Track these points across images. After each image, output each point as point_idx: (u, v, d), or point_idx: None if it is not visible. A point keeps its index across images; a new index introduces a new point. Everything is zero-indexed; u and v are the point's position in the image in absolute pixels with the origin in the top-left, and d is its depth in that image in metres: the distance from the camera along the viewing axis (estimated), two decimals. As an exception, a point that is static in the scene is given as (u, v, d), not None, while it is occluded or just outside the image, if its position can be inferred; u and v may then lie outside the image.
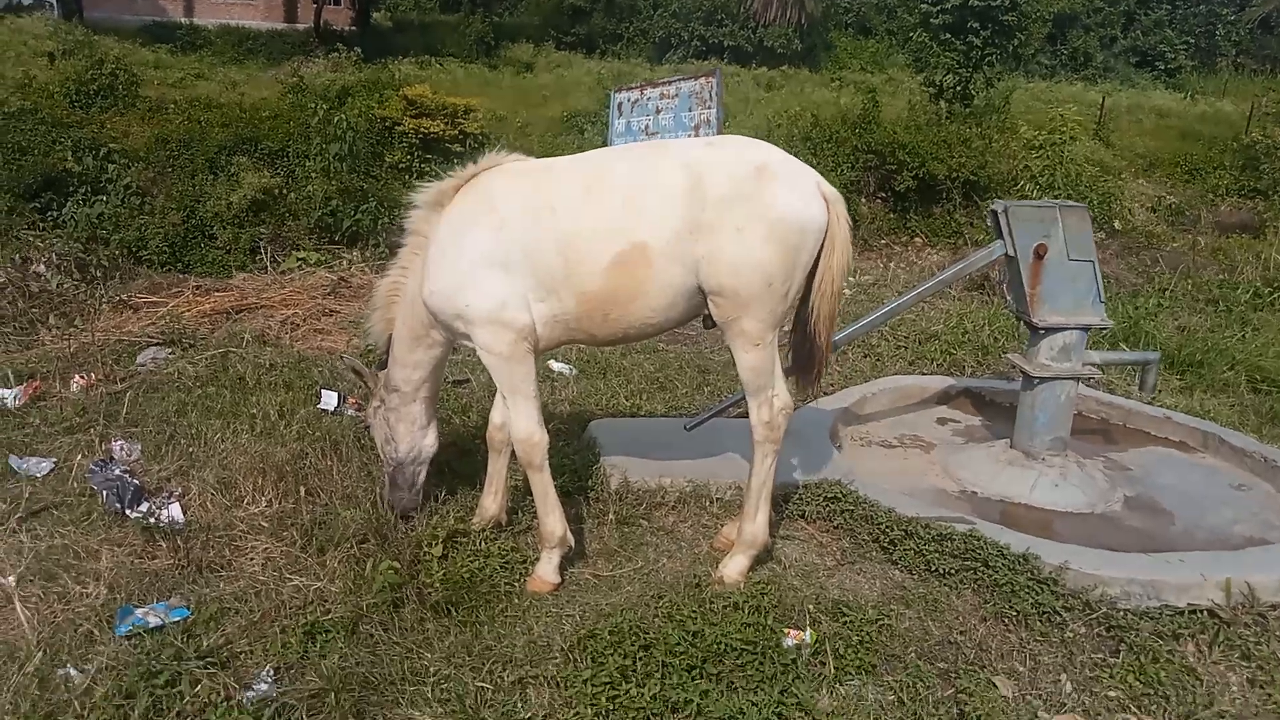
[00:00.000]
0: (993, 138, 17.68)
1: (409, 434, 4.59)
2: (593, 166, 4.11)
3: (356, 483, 4.94)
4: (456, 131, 16.24)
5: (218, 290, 8.84)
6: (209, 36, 38.43)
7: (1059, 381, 5.27)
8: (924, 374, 7.14)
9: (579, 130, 21.42)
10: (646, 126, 8.90)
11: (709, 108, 8.27)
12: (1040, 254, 5.09)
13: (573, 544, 4.40)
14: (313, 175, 12.92)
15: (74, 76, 19.36)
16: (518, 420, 4.16)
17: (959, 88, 21.94)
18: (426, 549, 4.30)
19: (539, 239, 3.92)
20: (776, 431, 4.23)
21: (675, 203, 3.83)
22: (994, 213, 5.17)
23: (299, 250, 10.43)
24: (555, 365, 7.07)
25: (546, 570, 4.29)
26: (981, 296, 10.04)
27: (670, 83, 8.76)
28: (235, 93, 23.64)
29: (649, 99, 8.91)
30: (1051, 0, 31.40)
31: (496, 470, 4.69)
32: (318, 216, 11.47)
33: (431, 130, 15.69)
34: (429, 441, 4.65)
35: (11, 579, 4.06)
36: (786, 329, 4.37)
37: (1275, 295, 10.07)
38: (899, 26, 49.37)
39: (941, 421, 6.41)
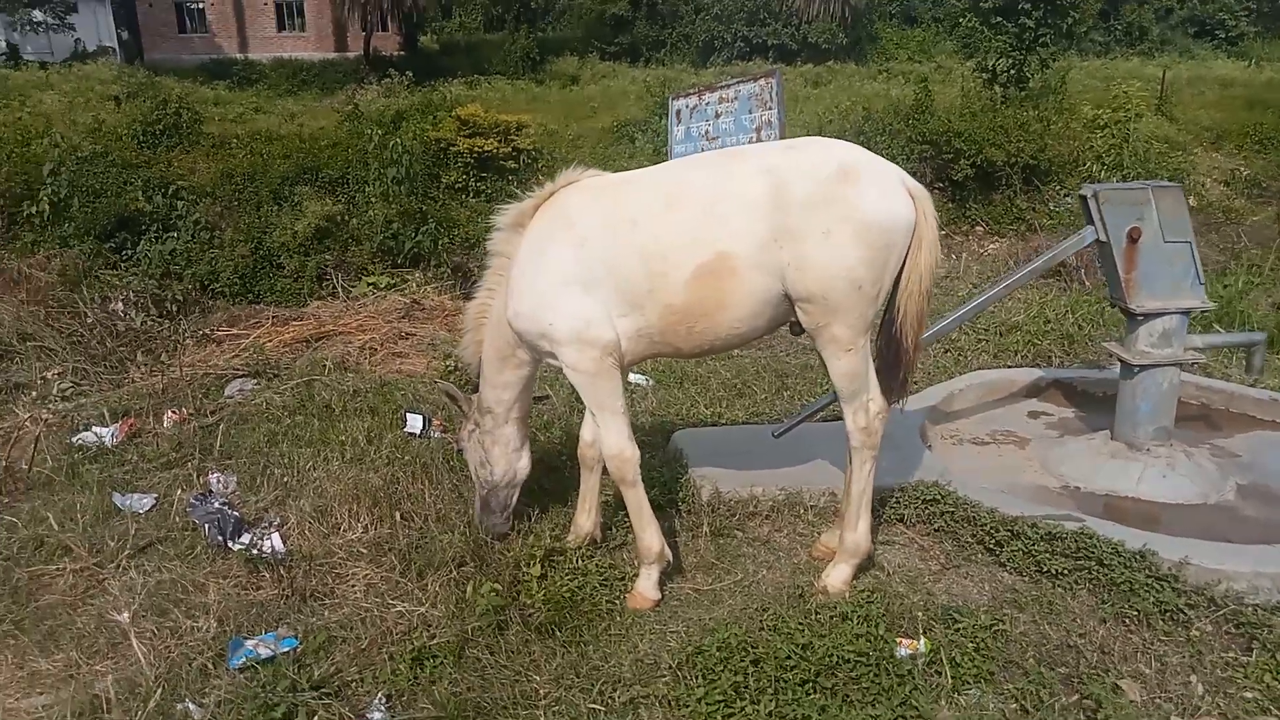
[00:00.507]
0: (1051, 120, 17.30)
1: (504, 456, 4.61)
2: (671, 178, 4.07)
3: (449, 505, 4.96)
4: (510, 149, 16.40)
5: (294, 320, 8.98)
6: (264, 70, 39.45)
7: (1160, 369, 5.09)
8: (1010, 367, 6.96)
9: (630, 139, 21.50)
10: (707, 132, 8.83)
11: (770, 109, 8.17)
12: (1134, 237, 4.92)
13: (670, 559, 4.35)
14: (372, 200, 13.13)
15: (140, 118, 20.01)
16: (608, 437, 4.15)
17: (1013, 71, 21.53)
18: (525, 569, 4.29)
19: (620, 254, 3.91)
20: (874, 437, 4.14)
21: (758, 210, 3.77)
22: (1083, 198, 5.01)
23: (367, 275, 10.55)
24: (633, 377, 7.04)
25: (646, 586, 4.25)
26: (1059, 283, 9.78)
27: (728, 86, 8.69)
28: (294, 124, 24.21)
29: (707, 104, 8.84)
30: (1105, -25, 30.56)
31: (589, 487, 4.68)
32: (380, 240, 11.63)
33: (485, 149, 15.86)
34: (524, 464, 4.68)
35: (126, 615, 4.13)
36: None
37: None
38: (945, 13, 48.75)
39: (1033, 415, 6.24)
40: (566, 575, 4.29)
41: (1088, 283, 9.63)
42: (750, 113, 8.41)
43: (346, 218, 12.46)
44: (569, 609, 4.09)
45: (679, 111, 9.23)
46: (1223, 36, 44.55)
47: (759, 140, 8.38)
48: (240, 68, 39.29)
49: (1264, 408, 6.00)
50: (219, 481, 5.35)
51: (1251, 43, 42.99)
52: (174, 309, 9.16)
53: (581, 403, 4.31)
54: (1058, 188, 15.43)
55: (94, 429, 6.15)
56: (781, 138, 8.14)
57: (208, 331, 8.16)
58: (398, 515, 4.80)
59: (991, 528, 4.47)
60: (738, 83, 8.60)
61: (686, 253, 3.82)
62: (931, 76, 23.87)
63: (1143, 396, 5.16)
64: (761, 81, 8.28)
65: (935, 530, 4.68)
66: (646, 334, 4.02)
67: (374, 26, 41.88)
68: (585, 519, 4.67)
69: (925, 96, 18.06)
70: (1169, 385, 5.13)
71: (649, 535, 4.24)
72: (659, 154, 19.13)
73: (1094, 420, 6.04)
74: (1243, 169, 16.55)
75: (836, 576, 4.24)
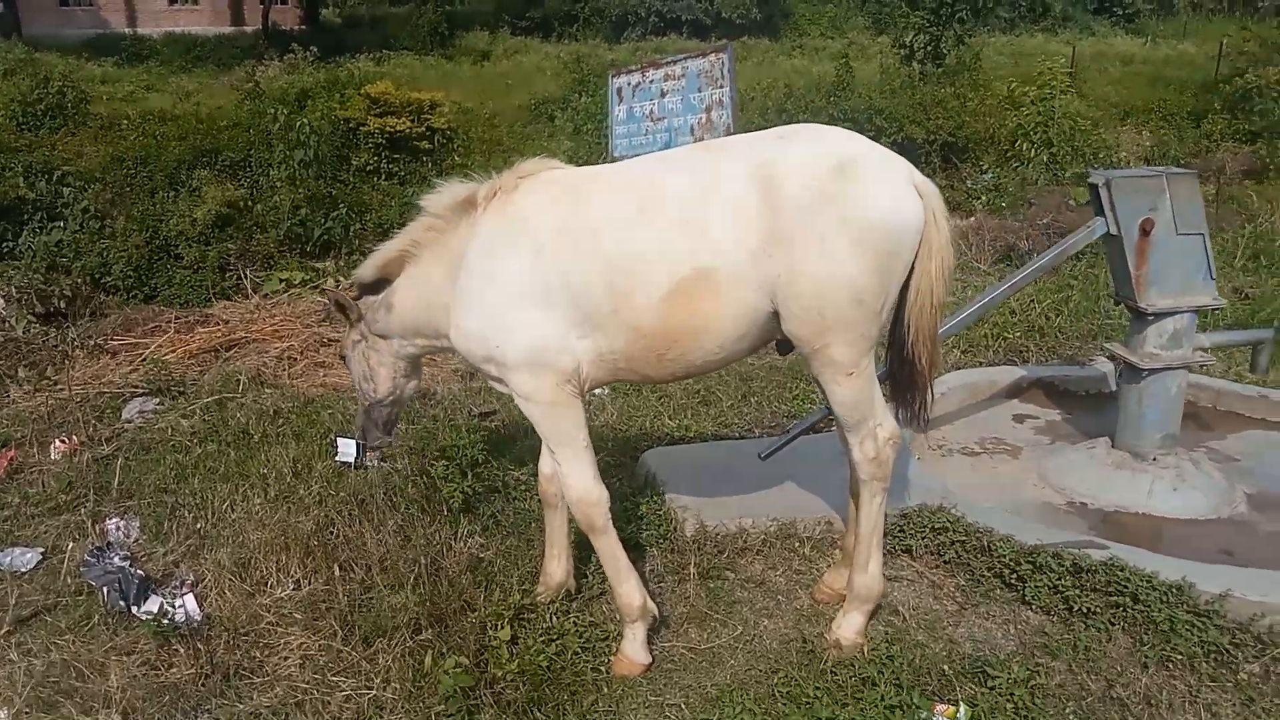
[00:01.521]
0: (967, 97, 17.24)
1: (390, 378, 4.06)
2: (643, 178, 3.46)
3: (396, 552, 4.29)
4: (423, 128, 15.58)
5: (199, 324, 8.11)
6: (154, 46, 37.22)
7: (1169, 372, 4.72)
8: (985, 365, 6.57)
9: (549, 118, 20.79)
10: (651, 112, 8.23)
11: (721, 86, 7.61)
12: (1146, 230, 4.52)
13: (656, 613, 3.78)
14: (278, 184, 12.28)
15: (19, 98, 18.49)
16: (570, 478, 3.57)
17: (929, 47, 21.49)
18: (493, 633, 3.68)
19: (580, 266, 3.32)
20: (885, 468, 3.58)
21: (745, 216, 3.20)
22: (1092, 186, 4.59)
23: (277, 269, 9.69)
24: (585, 384, 6.43)
25: (633, 649, 3.68)
26: (1010, 268, 9.48)
27: (674, 61, 8.09)
28: (190, 103, 22.77)
29: (651, 82, 8.24)
30: (1015, -49, 30.91)
31: (555, 528, 4.06)
32: (287, 227, 10.84)
33: (398, 129, 15.04)
34: (411, 385, 4.17)
35: (3, 714, 3.40)
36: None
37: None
38: (857, -12, 48.93)
39: (1019, 419, 5.86)
40: (541, 639, 3.70)
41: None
42: (699, 91, 7.84)
43: (250, 204, 11.61)
44: (547, 682, 3.51)
45: (620, 89, 8.60)
46: (1120, 14, 45.68)
47: (709, 120, 7.82)
48: (129, 43, 36.97)
49: (1252, 404, 5.73)
50: (118, 528, 4.59)
51: (1147, 20, 44.16)
52: (62, 305, 8.24)
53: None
54: (974, 165, 15.36)
55: (-36, 464, 5.29)
56: (734, 117, 7.61)
57: (101, 341, 7.23)
58: (335, 568, 4.12)
59: (1011, 560, 4.02)
60: (685, 59, 8.01)
61: (658, 269, 3.24)
62: (846, 53, 23.64)
63: (1149, 402, 4.79)
64: (711, 57, 7.72)
65: (946, 563, 4.22)
66: (609, 359, 3.45)
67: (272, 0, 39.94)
68: (556, 566, 4.06)
69: (846, 73, 17.83)
70: (1177, 390, 4.78)
71: (628, 589, 3.66)
72: (579, 132, 18.50)
73: (1082, 423, 5.70)
74: (1164, 145, 16.59)
75: (849, 627, 3.73)
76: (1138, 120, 19.31)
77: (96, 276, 10.55)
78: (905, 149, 14.33)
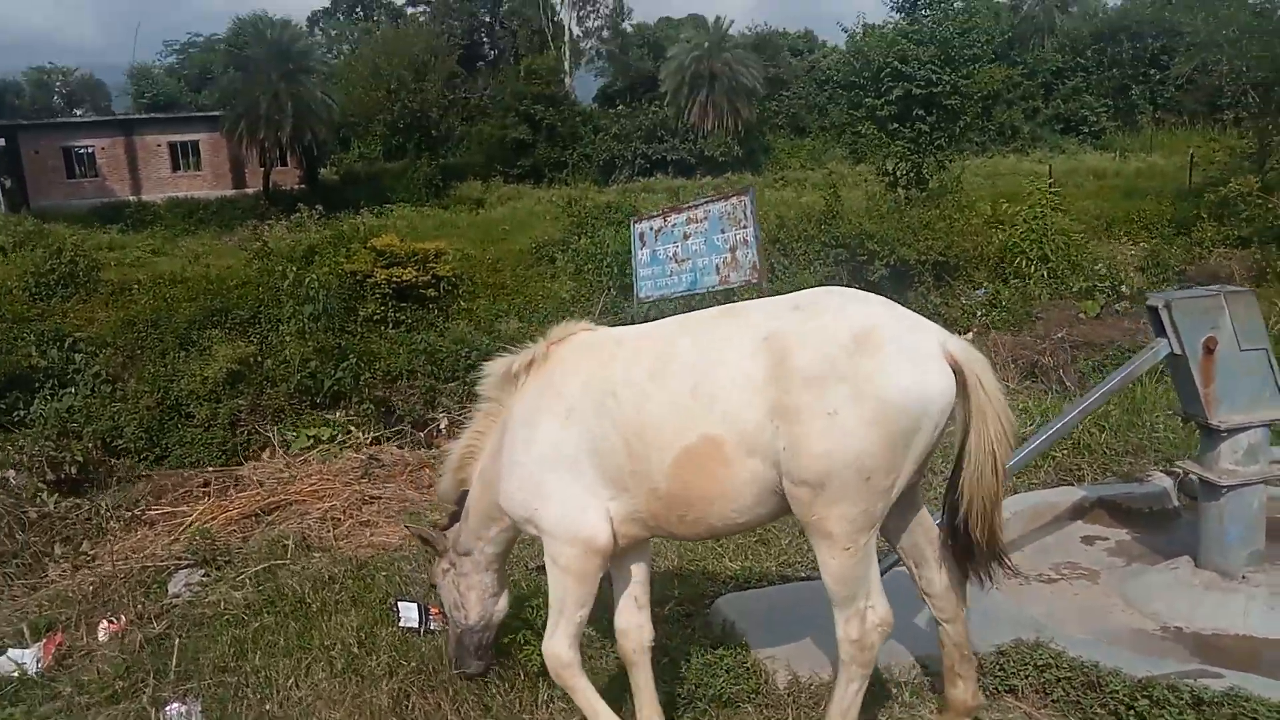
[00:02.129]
0: (954, 218, 17.72)
1: (480, 601, 4.16)
2: (660, 341, 3.53)
3: (477, 723, 4.11)
4: (429, 276, 15.94)
5: (230, 486, 8.00)
6: (158, 211, 38.35)
7: (1248, 488, 4.65)
8: (1040, 487, 6.48)
9: (549, 259, 21.24)
10: (675, 254, 8.40)
11: (744, 227, 7.79)
12: (1210, 348, 4.53)
13: None
14: (287, 339, 12.44)
15: (32, 269, 18.86)
16: (555, 639, 3.67)
17: (912, 173, 22.27)
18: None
19: (601, 429, 3.41)
20: (867, 653, 3.38)
21: (753, 387, 3.18)
22: (1152, 309, 4.62)
23: (306, 427, 9.66)
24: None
25: None
26: (1040, 386, 9.51)
27: (696, 205, 8.31)
28: (199, 264, 23.22)
29: (674, 225, 8.44)
30: (987, 81, 32.30)
31: (640, 686, 3.87)
32: (297, 380, 10.91)
33: (404, 278, 15.39)
34: (501, 607, 4.24)
35: None
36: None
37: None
38: (831, 123, 50.92)
39: (1088, 541, 5.73)
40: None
41: (1068, 383, 9.40)
42: (722, 232, 8.03)
43: (260, 359, 11.72)
44: None
45: (642, 234, 8.80)
46: (1087, 131, 47.50)
47: (734, 260, 7.97)
48: (133, 209, 38.13)
49: (1325, 513, 5.61)
50: (179, 715, 4.38)
51: (1112, 136, 45.89)
52: (73, 472, 8.17)
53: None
54: (966, 282, 15.65)
55: (9, 652, 5.10)
56: (759, 255, 7.75)
57: (136, 511, 7.11)
58: (421, 747, 3.92)
59: (1125, 695, 3.85)
60: (707, 202, 8.24)
61: (669, 434, 3.28)
62: (827, 182, 24.47)
63: (1231, 519, 4.70)
64: (734, 200, 7.93)
65: (1053, 701, 4.03)
66: (639, 518, 3.50)
67: (273, 162, 41.30)
68: None
69: (835, 201, 18.38)
70: (1259, 505, 4.70)
71: None
72: (580, 273, 18.88)
73: (1152, 542, 5.58)
74: (1160, 254, 16.92)
75: None
76: (1119, 232, 19.83)
77: (108, 440, 10.56)
78: (898, 270, 14.69)
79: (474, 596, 4.14)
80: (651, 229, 8.72)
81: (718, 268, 8.00)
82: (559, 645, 3.65)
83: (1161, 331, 4.61)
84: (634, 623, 3.80)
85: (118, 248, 28.60)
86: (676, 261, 8.40)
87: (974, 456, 3.23)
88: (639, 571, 3.85)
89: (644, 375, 3.37)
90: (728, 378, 3.22)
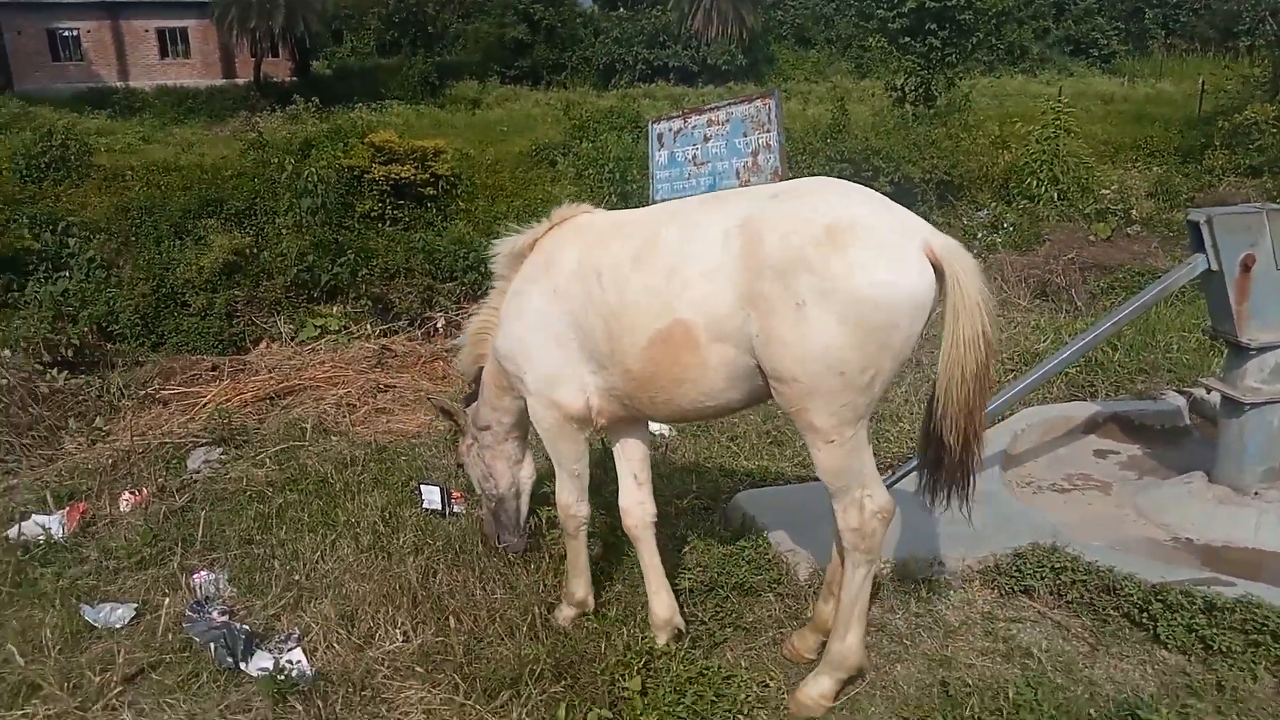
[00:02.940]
0: (960, 137, 17.49)
1: (506, 470, 4.43)
2: (648, 226, 3.52)
3: (505, 601, 4.18)
4: (428, 175, 15.67)
5: (239, 371, 8.00)
6: (147, 99, 37.36)
7: (1271, 405, 4.70)
8: (1054, 401, 6.53)
9: (550, 162, 20.92)
10: (694, 156, 8.25)
11: (768, 131, 7.65)
12: (1248, 266, 4.52)
13: (591, 608, 4.12)
14: (284, 232, 12.33)
15: (22, 150, 18.45)
16: (561, 491, 4.01)
17: (921, 90, 21.88)
18: (623, 683, 3.57)
19: (585, 308, 3.53)
20: (869, 540, 3.36)
21: (724, 274, 3.17)
22: (1193, 224, 4.59)
23: (316, 316, 9.62)
24: (653, 426, 6.35)
25: (561, 615, 4.13)
26: (1050, 304, 9.52)
27: (718, 108, 8.13)
28: (193, 154, 22.79)
29: (694, 127, 8.27)
30: (999, -2, 31.59)
31: (647, 561, 3.95)
32: (294, 274, 10.85)
33: (402, 175, 15.14)
34: (526, 473, 4.49)
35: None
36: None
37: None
38: (838, 35, 49.88)
39: (1100, 454, 5.81)
40: (672, 689, 3.58)
41: (1079, 303, 9.41)
42: (745, 135, 7.87)
43: (256, 251, 11.63)
44: (689, 734, 3.40)
45: (660, 135, 8.62)
46: (1096, 55, 46.65)
47: (755, 164, 7.85)
48: (121, 96, 37.11)
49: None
50: (208, 582, 4.45)
51: (1122, 60, 45.05)
52: (69, 354, 8.16)
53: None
54: (970, 203, 15.56)
55: (34, 518, 5.14)
56: (782, 159, 7.63)
57: (152, 391, 7.11)
58: (451, 620, 4.00)
59: (1139, 599, 3.95)
60: (729, 104, 8.06)
61: (643, 317, 3.34)
62: (829, 95, 23.90)
63: (1250, 436, 4.76)
64: (757, 103, 7.76)
65: (1068, 603, 4.13)
66: (616, 395, 3.63)
67: (264, 52, 40.17)
68: (661, 605, 3.93)
69: (842, 115, 18.07)
70: (1278, 423, 4.75)
71: (579, 584, 4.11)
72: (581, 177, 18.65)
73: (1164, 457, 5.67)
74: (1170, 180, 16.79)
75: (815, 689, 3.52)
76: (1126, 157, 19.66)
77: (103, 325, 10.54)
78: (903, 188, 14.57)
79: (500, 466, 4.41)
80: (670, 130, 8.56)
81: (738, 172, 7.88)
82: (564, 496, 3.98)
83: (1200, 247, 4.59)
84: (635, 499, 3.94)
85: (107, 133, 27.91)
86: (695, 164, 8.27)
87: (948, 359, 3.14)
88: (637, 450, 3.97)
89: (628, 259, 3.41)
90: (701, 263, 3.22)
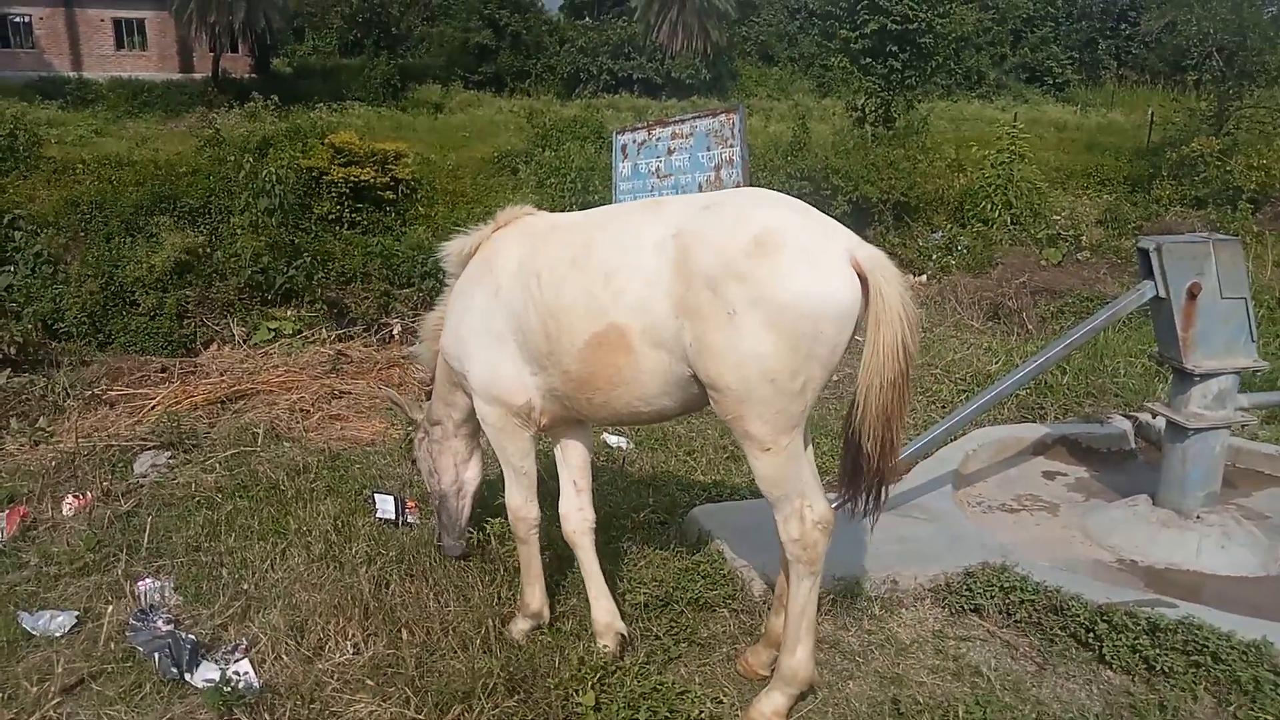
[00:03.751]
0: (918, 159, 17.76)
1: (451, 467, 4.50)
2: (586, 229, 3.62)
3: (459, 614, 4.14)
4: (388, 178, 15.51)
5: (189, 374, 7.85)
6: (100, 91, 36.55)
7: (1213, 431, 4.82)
8: (1013, 423, 6.64)
9: (512, 170, 20.83)
10: (657, 169, 8.29)
11: (731, 146, 7.71)
12: (1194, 293, 4.64)
13: (547, 619, 4.12)
14: (239, 232, 12.11)
15: (-33, 139, 17.95)
16: (510, 493, 4.04)
17: (881, 111, 22.18)
18: (576, 698, 3.55)
19: (525, 309, 3.60)
20: (812, 550, 3.38)
21: (658, 282, 3.23)
22: (1143, 251, 4.71)
23: (270, 319, 9.48)
24: (611, 439, 6.37)
25: (515, 629, 4.11)
26: (1002, 327, 9.69)
27: (682, 121, 8.18)
28: (147, 149, 22.34)
29: (658, 139, 8.31)
30: (960, 22, 32.07)
31: (586, 567, 4.02)
32: (248, 275, 10.67)
33: (362, 178, 14.95)
34: (471, 474, 4.56)
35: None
36: None
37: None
38: (801, 54, 50.41)
39: (1049, 476, 5.92)
40: (626, 704, 3.57)
41: (1030, 326, 9.59)
42: (708, 150, 7.93)
43: (210, 250, 11.42)
44: (644, 750, 3.39)
45: (624, 147, 8.65)
46: (1051, 83, 47.61)
47: (718, 179, 7.90)
48: (73, 87, 36.23)
49: (1274, 463, 5.87)
50: (153, 590, 4.35)
51: (1076, 89, 46.05)
52: (12, 351, 7.98)
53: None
54: (925, 224, 15.80)
55: (-29, 521, 5.00)
56: (745, 175, 7.69)
57: (95, 392, 6.95)
58: (402, 631, 3.95)
59: (1086, 619, 4.03)
60: (694, 118, 8.11)
61: (581, 320, 3.41)
62: (790, 113, 24.09)
63: (1193, 461, 4.88)
64: (721, 117, 7.82)
65: (1016, 622, 4.20)
66: (556, 395, 3.71)
67: (223, 47, 39.58)
68: (602, 611, 3.97)
69: (803, 133, 18.24)
70: (1220, 449, 4.88)
71: (533, 591, 4.11)
72: (543, 186, 18.59)
73: (1110, 480, 5.79)
74: (1121, 207, 17.18)
75: (767, 705, 3.53)
76: (1077, 184, 20.11)
77: (49, 322, 10.30)
78: (860, 208, 14.75)
79: (445, 462, 4.48)
80: (634, 141, 8.59)
81: (700, 186, 7.92)
82: (514, 497, 4.02)
83: (1149, 274, 4.70)
84: (574, 505, 3.99)
85: (58, 124, 27.28)
86: (659, 177, 8.31)
87: (867, 367, 3.17)
88: (578, 456, 4.04)
89: (566, 261, 3.48)
90: (636, 271, 3.28)
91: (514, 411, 3.78)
